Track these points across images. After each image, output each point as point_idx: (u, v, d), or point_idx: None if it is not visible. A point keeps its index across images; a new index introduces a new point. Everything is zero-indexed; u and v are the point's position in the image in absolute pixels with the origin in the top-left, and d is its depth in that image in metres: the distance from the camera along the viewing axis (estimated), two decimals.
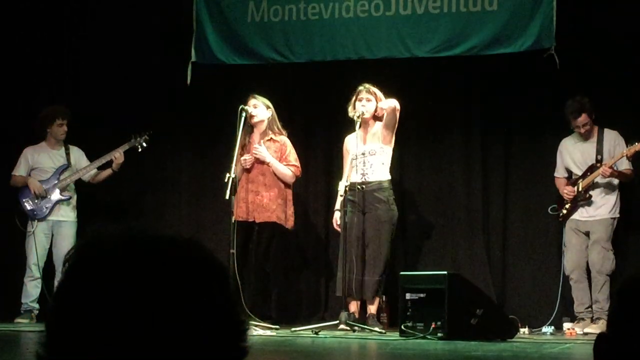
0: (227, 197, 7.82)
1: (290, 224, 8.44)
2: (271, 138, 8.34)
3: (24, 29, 9.68)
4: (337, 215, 8.30)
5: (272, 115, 8.36)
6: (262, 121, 8.32)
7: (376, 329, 7.78)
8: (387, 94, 8.35)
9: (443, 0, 8.75)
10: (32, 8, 9.68)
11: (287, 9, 9.11)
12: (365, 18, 8.93)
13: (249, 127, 8.32)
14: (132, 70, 9.51)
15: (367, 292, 8.16)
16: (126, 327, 1.19)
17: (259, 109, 8.29)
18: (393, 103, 8.13)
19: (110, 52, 9.57)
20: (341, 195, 8.01)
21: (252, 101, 8.30)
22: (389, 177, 8.29)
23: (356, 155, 8.16)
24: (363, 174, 8.18)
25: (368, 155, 8.19)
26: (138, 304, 1.20)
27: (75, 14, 9.69)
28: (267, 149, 8.30)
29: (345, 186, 7.92)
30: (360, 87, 8.25)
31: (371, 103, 8.21)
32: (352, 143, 8.22)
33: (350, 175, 8.13)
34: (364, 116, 8.14)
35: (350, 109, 8.24)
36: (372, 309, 8.20)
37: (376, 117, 8.31)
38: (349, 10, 8.95)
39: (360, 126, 8.11)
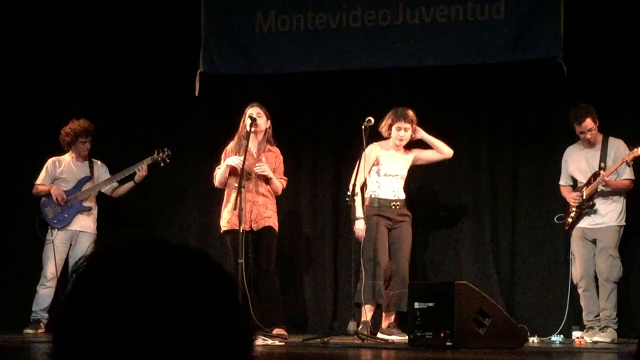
0: (234, 207, 7.83)
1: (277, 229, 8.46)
2: (269, 149, 8.34)
3: (33, 39, 9.71)
4: (361, 224, 8.29)
5: (270, 125, 8.35)
6: (262, 131, 8.29)
7: (394, 337, 7.94)
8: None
9: (450, 10, 8.75)
10: (41, 17, 9.71)
11: (295, 19, 9.12)
12: (373, 27, 8.93)
13: (246, 134, 8.24)
14: (140, 80, 9.53)
15: (397, 305, 8.27)
16: (133, 337, 1.20)
17: (263, 118, 8.26)
18: (450, 154, 8.44)
19: (117, 62, 9.59)
20: (354, 197, 8.01)
21: (255, 109, 8.25)
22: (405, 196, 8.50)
23: (391, 174, 8.38)
24: (395, 193, 8.40)
25: (400, 178, 8.44)
26: (145, 314, 1.21)
27: (81, 20, 9.70)
28: (267, 159, 8.29)
29: (372, 197, 8.11)
30: (400, 115, 8.29)
31: (409, 132, 8.37)
32: (386, 158, 8.38)
33: (381, 190, 8.35)
34: (401, 143, 8.36)
35: (384, 130, 8.29)
36: (392, 317, 8.27)
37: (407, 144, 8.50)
38: (357, 20, 8.96)
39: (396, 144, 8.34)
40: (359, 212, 8.25)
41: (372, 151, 8.36)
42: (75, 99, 9.58)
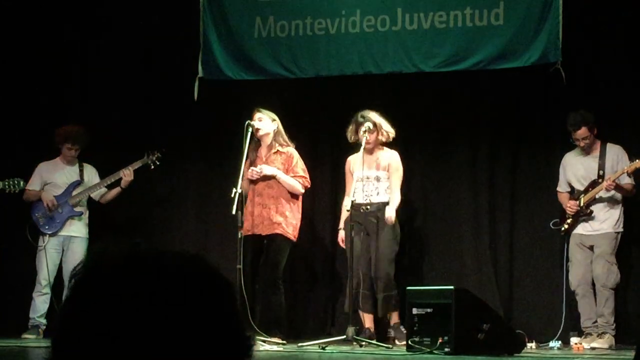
0: (233, 212, 7.82)
1: (294, 235, 8.39)
2: (278, 150, 8.32)
3: (34, 45, 9.71)
4: (342, 234, 8.39)
5: (277, 127, 8.33)
6: (267, 134, 8.29)
7: (404, 342, 7.93)
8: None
9: (449, 15, 8.75)
10: (43, 24, 9.71)
11: (294, 25, 9.12)
12: (372, 33, 8.93)
13: (257, 141, 8.31)
14: (139, 86, 9.53)
15: (386, 308, 8.30)
16: (131, 342, 1.20)
17: (264, 122, 8.27)
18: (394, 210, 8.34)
19: (117, 67, 9.59)
20: (347, 210, 8.07)
21: (257, 114, 8.28)
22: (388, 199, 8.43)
23: (361, 178, 8.28)
24: (367, 196, 8.35)
25: (374, 180, 8.37)
26: (143, 320, 1.21)
27: (81, 26, 9.70)
28: (274, 161, 8.27)
29: (352, 201, 8.00)
30: (360, 119, 8.29)
31: (374, 134, 8.31)
32: (357, 164, 8.28)
33: (355, 195, 8.24)
34: (368, 146, 8.28)
35: (349, 135, 8.29)
36: (395, 318, 8.31)
37: (382, 143, 8.44)
38: (355, 26, 8.96)
39: (364, 147, 8.21)
40: (340, 223, 8.44)
41: (347, 165, 8.50)
42: (73, 102, 9.58)
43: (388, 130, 8.35)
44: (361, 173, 8.25)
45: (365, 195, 8.34)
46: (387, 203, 8.36)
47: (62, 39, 9.69)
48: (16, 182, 8.71)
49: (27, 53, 9.73)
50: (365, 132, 8.21)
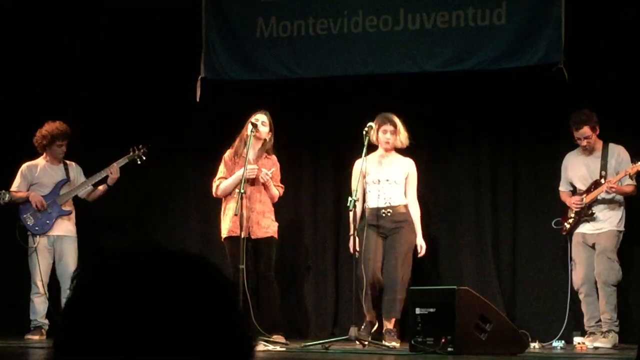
0: (236, 213, 7.84)
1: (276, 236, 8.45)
2: (266, 156, 8.34)
3: (27, 40, 9.70)
4: (350, 241, 8.30)
5: (271, 137, 8.34)
6: (262, 140, 8.29)
7: (393, 343, 7.90)
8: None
9: (451, 15, 8.75)
10: (37, 19, 9.70)
11: (296, 25, 9.12)
12: (374, 33, 8.93)
13: (247, 138, 8.24)
14: (141, 85, 9.52)
15: (394, 311, 8.22)
16: (133, 343, 1.20)
17: (266, 127, 8.27)
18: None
19: (119, 67, 9.58)
20: (354, 216, 7.99)
21: (261, 116, 8.26)
22: (406, 201, 8.38)
23: (378, 180, 8.29)
24: (386, 200, 8.29)
25: (394, 184, 8.33)
26: (145, 320, 1.21)
27: (81, 26, 9.70)
28: (262, 166, 8.26)
29: (364, 208, 7.99)
30: (384, 119, 8.28)
31: (394, 135, 8.31)
32: (372, 167, 8.28)
33: (369, 199, 8.25)
34: (388, 146, 8.30)
35: (374, 138, 8.27)
36: (390, 324, 8.24)
37: (396, 149, 8.43)
38: (358, 26, 8.96)
39: (383, 149, 8.28)
40: (351, 228, 8.27)
41: (357, 165, 8.38)
42: (72, 103, 9.56)
43: (405, 136, 8.36)
44: (383, 175, 8.29)
45: (384, 199, 8.30)
46: (406, 206, 8.32)
47: (61, 40, 9.68)
48: (2, 194, 8.67)
49: (26, 53, 9.72)
50: (388, 133, 8.25)
